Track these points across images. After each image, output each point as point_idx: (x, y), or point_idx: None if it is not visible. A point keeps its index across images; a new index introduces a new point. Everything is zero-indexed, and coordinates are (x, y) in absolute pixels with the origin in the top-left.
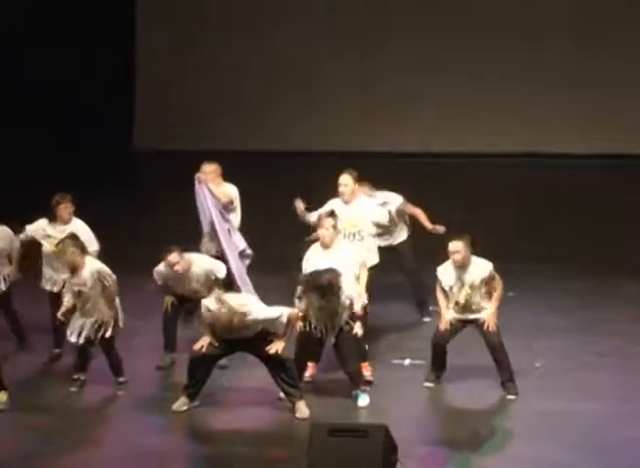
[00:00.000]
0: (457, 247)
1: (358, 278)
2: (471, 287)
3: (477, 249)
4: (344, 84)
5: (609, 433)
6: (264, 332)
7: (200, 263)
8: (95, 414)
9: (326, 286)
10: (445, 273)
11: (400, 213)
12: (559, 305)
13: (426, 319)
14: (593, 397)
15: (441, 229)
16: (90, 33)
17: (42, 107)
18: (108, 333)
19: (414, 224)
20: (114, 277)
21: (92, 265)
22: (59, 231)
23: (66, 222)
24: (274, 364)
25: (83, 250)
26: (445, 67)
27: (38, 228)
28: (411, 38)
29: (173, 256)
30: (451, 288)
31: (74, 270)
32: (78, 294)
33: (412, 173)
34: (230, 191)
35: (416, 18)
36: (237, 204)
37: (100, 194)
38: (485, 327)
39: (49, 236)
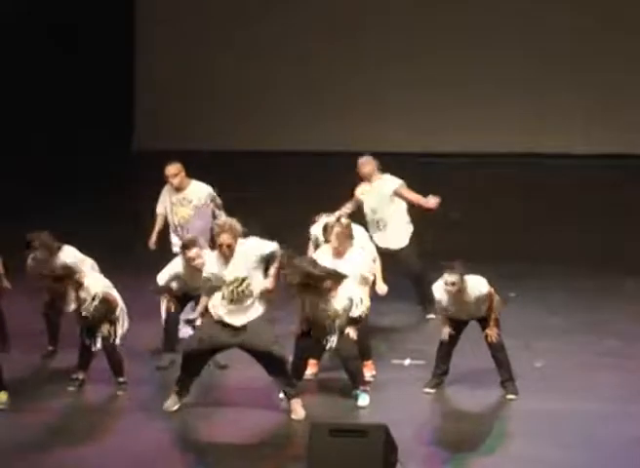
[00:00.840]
0: (453, 278)
1: (365, 284)
2: (471, 305)
3: (470, 268)
4: (344, 84)
5: (609, 433)
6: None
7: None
8: (94, 414)
9: (310, 274)
10: (441, 293)
11: (398, 193)
12: (559, 305)
13: (430, 316)
14: (593, 397)
15: (434, 202)
16: (89, 33)
17: (42, 107)
18: (117, 341)
19: (414, 224)
20: (112, 296)
21: (91, 290)
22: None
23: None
24: (267, 360)
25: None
26: (445, 67)
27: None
28: (410, 38)
29: (194, 252)
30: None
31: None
32: (84, 318)
33: (412, 173)
34: (203, 190)
35: (415, 17)
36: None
37: (99, 194)
38: (489, 340)
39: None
